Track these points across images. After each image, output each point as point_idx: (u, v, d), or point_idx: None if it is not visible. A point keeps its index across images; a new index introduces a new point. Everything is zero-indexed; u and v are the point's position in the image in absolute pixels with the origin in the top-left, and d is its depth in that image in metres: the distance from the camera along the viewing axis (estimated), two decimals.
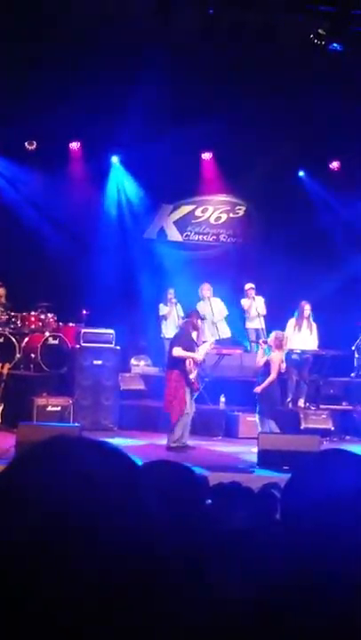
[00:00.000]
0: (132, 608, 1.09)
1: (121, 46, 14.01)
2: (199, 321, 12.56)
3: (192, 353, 11.96)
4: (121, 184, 17.50)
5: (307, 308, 14.51)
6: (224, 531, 2.02)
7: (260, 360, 12.26)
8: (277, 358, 12.11)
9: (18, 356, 14.10)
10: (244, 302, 15.55)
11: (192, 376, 11.87)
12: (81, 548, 1.08)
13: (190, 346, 12.07)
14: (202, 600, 1.43)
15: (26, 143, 16.40)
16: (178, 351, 11.90)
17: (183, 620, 1.29)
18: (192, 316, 12.65)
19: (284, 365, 12.31)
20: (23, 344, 14.23)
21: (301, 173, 17.93)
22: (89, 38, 13.93)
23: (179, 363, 11.88)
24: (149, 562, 1.12)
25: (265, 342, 12.54)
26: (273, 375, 12.00)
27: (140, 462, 1.69)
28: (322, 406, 14.00)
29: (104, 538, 1.09)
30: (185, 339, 12.12)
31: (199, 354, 12.12)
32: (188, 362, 11.84)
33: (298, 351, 14.40)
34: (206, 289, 15.55)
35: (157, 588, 1.13)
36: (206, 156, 17.63)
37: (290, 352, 14.32)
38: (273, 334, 12.52)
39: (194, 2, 13.63)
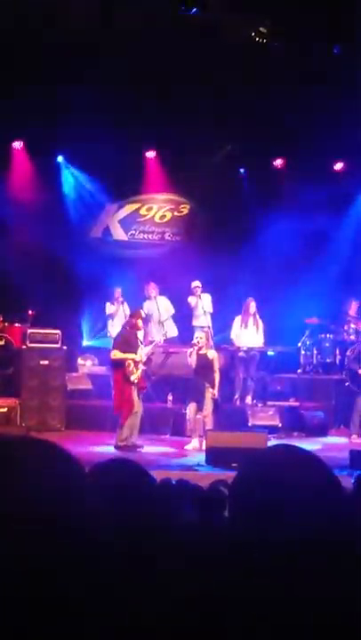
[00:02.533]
0: (72, 611, 1.09)
1: (64, 45, 13.91)
2: (140, 321, 12.42)
3: (131, 354, 11.93)
4: (66, 182, 17.39)
5: (252, 305, 14.57)
6: (172, 528, 2.03)
7: (193, 362, 12.33)
8: (216, 356, 12.30)
9: None
10: (191, 300, 15.54)
11: (133, 377, 11.80)
12: (24, 548, 1.07)
13: (131, 346, 12.02)
14: (148, 598, 1.43)
15: None
16: (115, 354, 11.96)
17: (128, 618, 1.29)
18: (133, 317, 12.63)
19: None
20: None
21: (243, 171, 17.95)
22: (32, 37, 13.81)
23: (121, 363, 11.88)
24: (92, 561, 1.12)
25: (195, 345, 12.51)
26: (218, 373, 12.22)
27: (88, 462, 1.68)
28: (269, 403, 14.09)
29: (46, 539, 1.09)
30: (123, 340, 12.11)
31: (138, 355, 12.08)
32: (127, 363, 11.82)
33: (245, 348, 14.48)
34: (152, 288, 15.53)
35: (101, 587, 1.13)
36: (150, 154, 17.59)
37: (237, 349, 14.41)
38: (202, 335, 12.65)
39: (137, 2, 13.61)
